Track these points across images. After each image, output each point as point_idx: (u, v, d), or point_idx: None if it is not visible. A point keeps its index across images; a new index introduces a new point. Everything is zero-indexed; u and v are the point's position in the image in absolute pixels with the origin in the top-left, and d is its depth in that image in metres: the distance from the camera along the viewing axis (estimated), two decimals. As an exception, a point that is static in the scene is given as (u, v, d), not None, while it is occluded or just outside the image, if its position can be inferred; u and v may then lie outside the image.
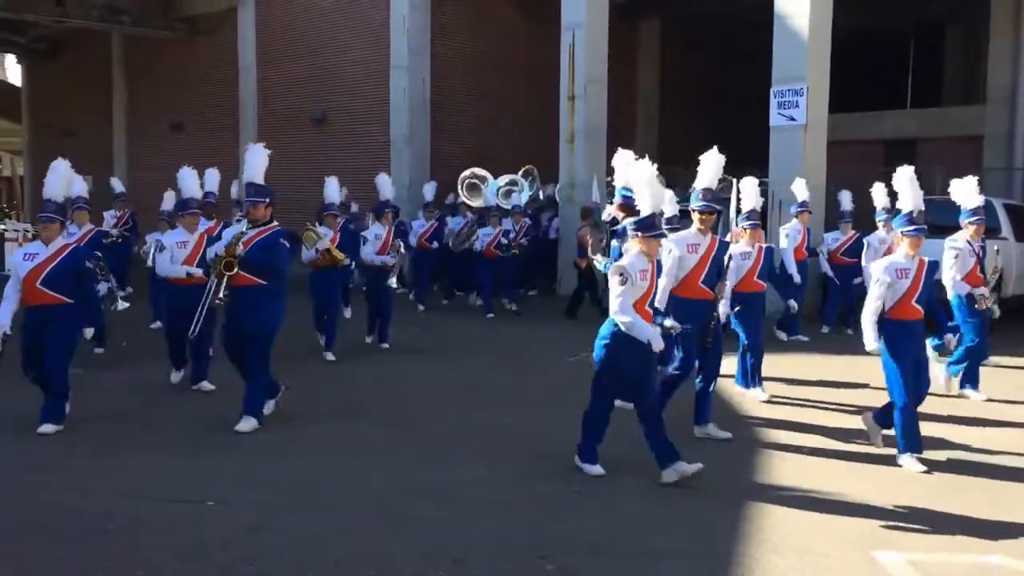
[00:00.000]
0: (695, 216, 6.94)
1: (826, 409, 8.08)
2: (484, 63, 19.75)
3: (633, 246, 5.95)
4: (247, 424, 6.94)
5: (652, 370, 6.02)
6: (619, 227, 9.85)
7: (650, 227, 5.87)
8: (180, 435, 6.96)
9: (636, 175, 6.14)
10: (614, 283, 5.79)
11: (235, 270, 6.90)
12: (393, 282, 10.36)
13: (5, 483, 5.81)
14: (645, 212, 5.93)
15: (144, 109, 24.78)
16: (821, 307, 12.63)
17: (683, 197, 12.26)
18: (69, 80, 27.11)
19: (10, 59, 34.70)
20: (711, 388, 7.07)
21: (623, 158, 7.99)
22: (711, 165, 7.04)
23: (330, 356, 9.95)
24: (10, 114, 31.96)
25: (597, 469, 6.00)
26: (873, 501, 5.60)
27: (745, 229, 8.20)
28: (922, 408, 6.60)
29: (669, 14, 21.94)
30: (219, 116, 22.47)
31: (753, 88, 16.15)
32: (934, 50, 22.71)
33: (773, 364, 9.31)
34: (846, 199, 12.34)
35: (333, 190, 10.64)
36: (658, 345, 5.74)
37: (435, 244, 14.65)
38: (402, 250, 11.06)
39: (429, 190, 15.34)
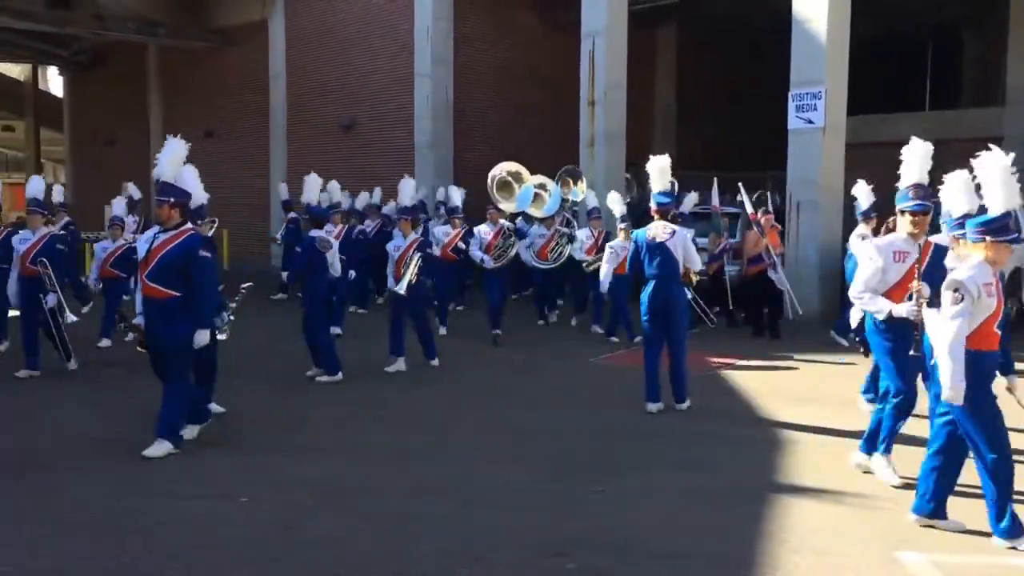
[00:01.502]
0: (905, 218, 5.75)
1: (848, 408, 8.03)
2: (506, 70, 20.11)
3: (973, 253, 4.84)
4: (159, 448, 6.34)
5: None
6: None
7: (1002, 230, 4.74)
8: (210, 436, 7.02)
9: (989, 165, 4.83)
10: (947, 302, 4.70)
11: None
12: (403, 288, 9.52)
13: (39, 480, 5.98)
14: (996, 211, 4.78)
15: (179, 117, 25.38)
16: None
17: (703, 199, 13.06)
18: (108, 90, 27.87)
19: (52, 71, 35.65)
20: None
21: (657, 163, 8.07)
22: (917, 157, 5.84)
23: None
24: (53, 124, 32.86)
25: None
26: (895, 500, 5.55)
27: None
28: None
29: (686, 20, 22.10)
30: (250, 123, 23.00)
31: (770, 92, 16.31)
32: (952, 52, 22.62)
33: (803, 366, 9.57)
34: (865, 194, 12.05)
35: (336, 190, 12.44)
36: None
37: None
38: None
39: (456, 195, 14.35)
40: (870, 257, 5.73)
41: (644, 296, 7.88)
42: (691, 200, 13.09)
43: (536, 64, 20.05)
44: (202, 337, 6.44)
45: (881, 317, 5.70)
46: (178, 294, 6.40)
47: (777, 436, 7.16)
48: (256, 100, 22.80)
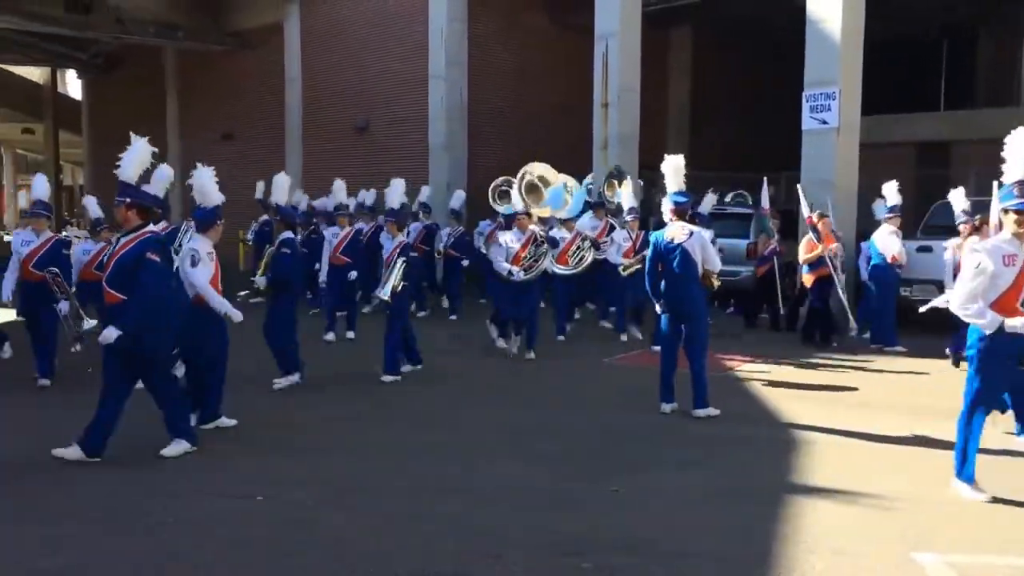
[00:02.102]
0: (1010, 217, 5.37)
1: (864, 409, 8.06)
2: (519, 72, 20.19)
3: (1008, 224, 5.24)
4: (176, 448, 6.41)
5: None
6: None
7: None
8: (228, 434, 7.13)
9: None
10: (966, 265, 5.03)
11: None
12: (386, 293, 9.32)
13: (62, 478, 6.02)
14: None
15: (196, 120, 25.63)
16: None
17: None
18: (126, 93, 28.12)
19: (71, 74, 35.97)
20: None
21: (672, 163, 8.05)
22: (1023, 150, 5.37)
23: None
24: (72, 126, 33.17)
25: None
26: (911, 501, 5.54)
27: None
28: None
29: (700, 21, 22.10)
30: (266, 126, 23.18)
31: (785, 92, 16.31)
32: (967, 52, 22.56)
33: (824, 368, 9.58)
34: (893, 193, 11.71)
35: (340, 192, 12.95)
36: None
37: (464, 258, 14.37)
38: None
39: (457, 199, 15.34)
40: (977, 264, 5.28)
41: (661, 298, 7.89)
42: (710, 201, 13.03)
43: (550, 66, 20.13)
44: (109, 334, 6.09)
45: (991, 331, 5.34)
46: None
47: (792, 437, 7.15)
48: (272, 102, 22.97)
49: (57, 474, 6.10)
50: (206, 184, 7.36)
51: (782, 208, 15.15)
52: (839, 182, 13.66)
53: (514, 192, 10.47)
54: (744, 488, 5.90)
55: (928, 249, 12.05)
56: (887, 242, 11.19)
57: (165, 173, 8.65)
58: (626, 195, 11.99)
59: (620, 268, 11.25)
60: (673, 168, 8.03)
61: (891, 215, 11.39)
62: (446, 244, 14.53)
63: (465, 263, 14.36)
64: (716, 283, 7.96)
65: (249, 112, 23.82)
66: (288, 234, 8.96)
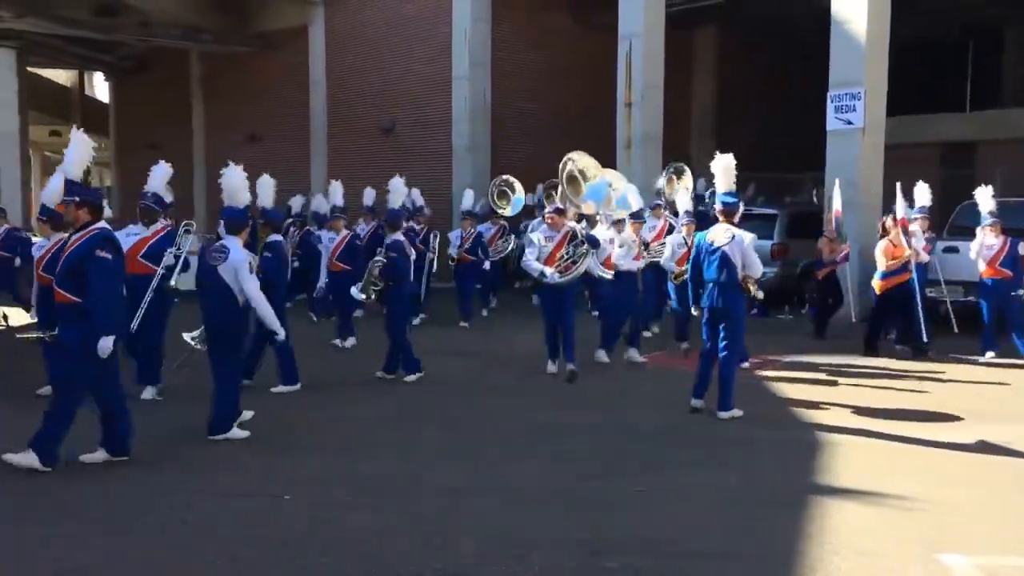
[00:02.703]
0: None
1: (889, 410, 8.02)
2: (543, 72, 20.22)
3: None
4: (97, 456, 6.19)
5: None
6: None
7: None
8: (253, 433, 7.13)
9: None
10: None
11: None
12: (355, 291, 9.35)
13: (85, 477, 6.06)
14: None
15: (221, 122, 25.82)
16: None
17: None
18: (152, 95, 28.38)
19: (98, 77, 36.36)
20: None
21: (722, 163, 7.90)
22: None
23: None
24: (99, 129, 33.49)
25: None
26: (938, 501, 5.51)
27: None
28: (997, 408, 6.49)
29: (724, 21, 22.05)
30: (291, 127, 23.32)
31: (809, 92, 16.25)
32: (992, 53, 22.36)
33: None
34: (924, 193, 11.49)
35: (337, 193, 12.40)
36: None
37: (483, 259, 13.74)
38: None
39: (468, 197, 14.81)
40: None
41: (703, 301, 7.84)
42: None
43: (573, 66, 20.14)
44: (106, 344, 5.87)
45: None
46: (80, 300, 5.93)
47: (818, 438, 7.12)
48: (297, 104, 23.12)
49: (95, 474, 6.15)
50: (236, 183, 7.29)
51: (810, 209, 15.07)
52: (863, 183, 13.60)
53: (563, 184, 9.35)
54: (769, 489, 5.89)
55: (954, 250, 11.96)
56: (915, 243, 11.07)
57: (163, 170, 8.53)
58: (683, 195, 11.50)
59: (671, 275, 10.63)
60: (724, 168, 7.89)
61: (920, 216, 11.30)
62: (458, 247, 13.66)
63: (486, 266, 13.89)
64: (754, 288, 7.71)
65: (274, 114, 23.98)
66: (275, 237, 8.80)
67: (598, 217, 10.04)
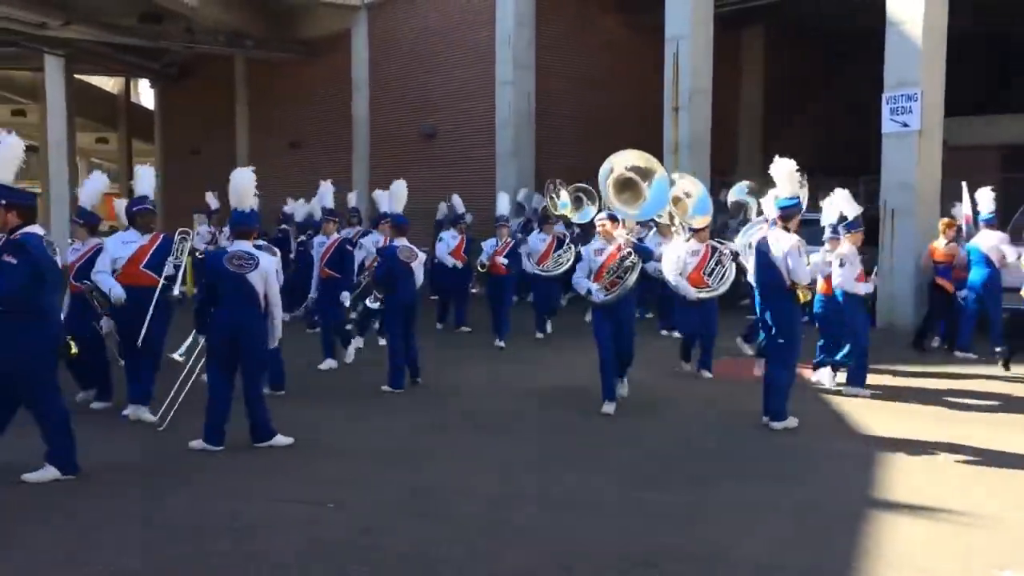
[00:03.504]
0: None
1: (949, 421, 7.81)
2: (588, 76, 19.95)
3: None
4: (42, 474, 5.96)
5: None
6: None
7: None
8: (298, 439, 7.12)
9: None
10: None
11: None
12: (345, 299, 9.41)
13: (133, 483, 6.14)
14: None
15: (264, 128, 25.95)
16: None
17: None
18: (196, 102, 28.66)
19: (144, 83, 36.83)
20: None
21: (784, 167, 7.60)
22: None
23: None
24: (144, 135, 33.93)
25: None
26: (1000, 518, 5.38)
27: None
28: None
29: (774, 21, 21.64)
30: (333, 133, 23.34)
31: (862, 94, 15.83)
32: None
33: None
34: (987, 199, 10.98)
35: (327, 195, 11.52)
36: None
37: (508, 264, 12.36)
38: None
39: (503, 202, 13.86)
40: None
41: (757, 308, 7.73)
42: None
43: (619, 69, 19.88)
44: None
45: None
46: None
47: (872, 449, 6.95)
48: (339, 110, 23.13)
49: (137, 482, 6.17)
50: (245, 186, 7.13)
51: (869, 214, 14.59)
52: (920, 186, 13.20)
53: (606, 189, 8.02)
54: (823, 501, 5.75)
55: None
56: (1000, 247, 10.68)
57: (147, 173, 8.33)
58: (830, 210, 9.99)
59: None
60: (784, 172, 7.63)
61: (988, 222, 10.91)
62: (490, 255, 12.29)
63: (534, 270, 12.65)
64: (804, 295, 7.48)
65: (316, 120, 24.02)
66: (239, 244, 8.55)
67: (673, 230, 9.63)
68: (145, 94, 38.52)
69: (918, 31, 12.95)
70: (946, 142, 13.83)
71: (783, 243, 7.42)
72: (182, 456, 6.75)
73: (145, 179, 8.28)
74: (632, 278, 8.05)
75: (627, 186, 7.84)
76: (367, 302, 9.47)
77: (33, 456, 6.06)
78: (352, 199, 14.63)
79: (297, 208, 15.66)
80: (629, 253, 8.07)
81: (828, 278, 8.95)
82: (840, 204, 9.08)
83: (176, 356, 7.32)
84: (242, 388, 6.90)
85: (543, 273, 12.59)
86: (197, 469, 6.41)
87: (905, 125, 13.22)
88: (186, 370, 7.49)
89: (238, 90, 26.90)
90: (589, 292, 8.13)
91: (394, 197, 10.53)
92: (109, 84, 37.36)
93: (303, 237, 13.66)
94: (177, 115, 30.21)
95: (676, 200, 9.53)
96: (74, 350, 6.17)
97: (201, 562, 4.78)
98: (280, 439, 6.97)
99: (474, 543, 5.01)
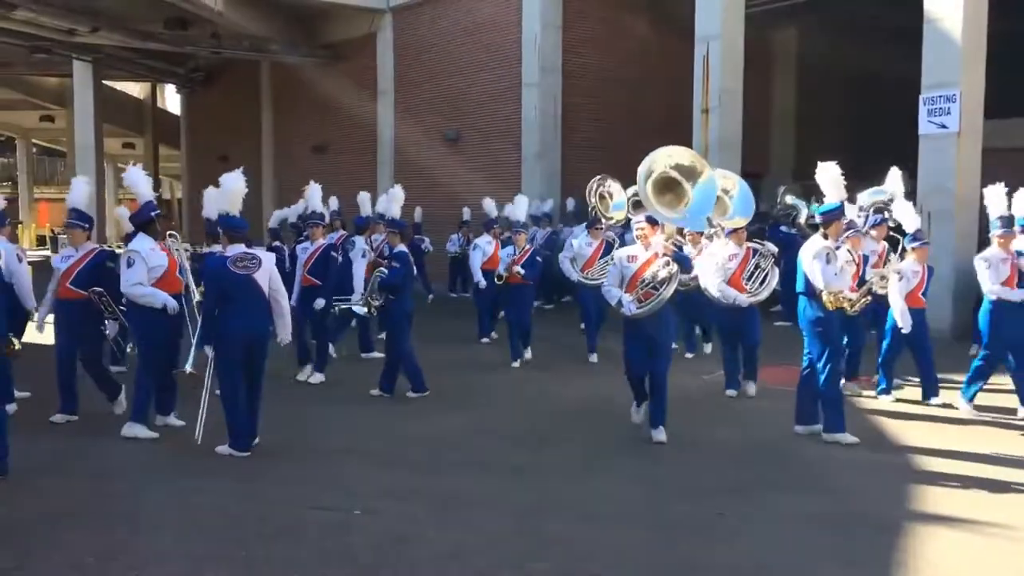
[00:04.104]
0: None
1: (983, 434, 7.65)
2: (616, 77, 19.68)
3: None
4: None
5: None
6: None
7: None
8: (328, 446, 7.22)
9: None
10: None
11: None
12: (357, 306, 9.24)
13: (165, 487, 6.16)
14: None
15: (289, 132, 25.93)
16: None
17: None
18: (222, 107, 28.72)
19: (170, 89, 37.01)
20: None
21: (829, 172, 7.49)
22: None
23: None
24: (170, 140, 34.09)
25: None
26: None
27: None
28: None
29: (806, 22, 21.29)
30: (358, 137, 23.26)
31: (898, 95, 15.47)
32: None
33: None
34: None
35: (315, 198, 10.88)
36: None
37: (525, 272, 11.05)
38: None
39: (521, 206, 12.24)
40: None
41: None
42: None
43: (648, 70, 19.59)
44: None
45: None
46: None
47: (910, 461, 6.87)
48: (364, 114, 23.05)
49: (166, 486, 6.21)
50: (237, 191, 7.16)
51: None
52: (959, 190, 12.86)
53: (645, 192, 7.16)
54: (858, 514, 5.65)
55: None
56: None
57: (82, 186, 8.07)
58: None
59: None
60: (830, 178, 7.47)
61: None
62: (508, 265, 11.17)
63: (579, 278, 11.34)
64: (829, 302, 7.11)
65: (341, 124, 23.95)
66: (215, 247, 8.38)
67: (712, 232, 8.94)
68: (171, 99, 38.70)
69: (957, 29, 12.64)
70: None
71: (810, 248, 7.33)
72: (208, 460, 6.76)
73: (76, 191, 7.90)
74: (669, 290, 7.23)
75: (669, 187, 7.04)
76: (353, 307, 9.15)
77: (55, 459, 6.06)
78: (333, 203, 14.24)
79: (275, 215, 14.75)
80: (668, 262, 7.24)
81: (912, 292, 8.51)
82: (902, 216, 8.73)
83: (187, 369, 7.13)
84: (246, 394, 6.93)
85: (588, 282, 11.11)
86: (224, 474, 6.43)
87: (943, 126, 12.91)
88: (207, 384, 7.29)
89: (263, 95, 26.92)
90: (620, 303, 7.29)
91: (392, 201, 10.23)
92: (136, 90, 37.58)
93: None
94: (203, 121, 30.31)
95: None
96: (16, 346, 6.37)
97: (232, 566, 4.80)
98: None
99: (505, 552, 5.00)
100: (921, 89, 13.04)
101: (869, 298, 7.84)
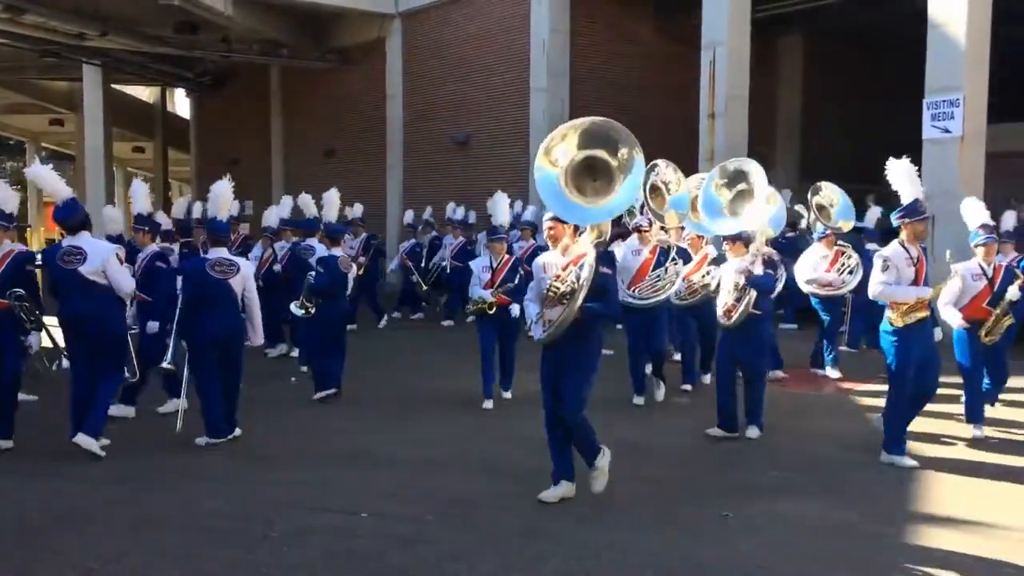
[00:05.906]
0: None
1: (999, 438, 7.64)
2: (623, 83, 19.80)
3: None
4: None
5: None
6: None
7: None
8: (335, 449, 7.24)
9: None
10: None
11: None
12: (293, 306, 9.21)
13: (174, 491, 6.21)
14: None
15: (299, 136, 26.07)
16: None
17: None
18: (232, 111, 28.84)
19: (179, 93, 37.18)
20: None
21: (902, 167, 6.81)
22: None
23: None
24: (180, 144, 34.24)
25: None
26: None
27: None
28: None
29: (812, 27, 21.38)
30: (368, 141, 23.38)
31: (902, 99, 15.56)
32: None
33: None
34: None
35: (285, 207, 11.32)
36: None
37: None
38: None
39: (501, 205, 9.91)
40: None
41: None
42: (874, 214, 12.08)
43: (655, 76, 19.71)
44: None
45: None
46: None
47: (922, 465, 6.80)
48: (373, 118, 23.17)
49: (171, 487, 6.25)
50: (225, 197, 7.57)
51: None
52: (963, 195, 12.88)
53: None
54: (865, 517, 5.65)
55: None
56: None
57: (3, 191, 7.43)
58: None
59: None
60: (907, 172, 6.83)
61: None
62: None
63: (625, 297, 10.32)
64: (894, 318, 6.63)
65: (351, 128, 24.08)
66: (152, 247, 8.37)
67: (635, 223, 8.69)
68: (181, 103, 38.88)
69: (961, 34, 12.72)
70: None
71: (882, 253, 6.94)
72: (211, 464, 6.81)
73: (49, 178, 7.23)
74: (670, 289, 7.61)
75: (590, 171, 5.57)
76: (292, 307, 9.21)
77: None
78: (358, 209, 14.36)
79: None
80: (675, 260, 7.48)
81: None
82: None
83: (165, 365, 7.46)
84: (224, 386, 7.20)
85: (637, 302, 8.50)
86: (227, 478, 6.46)
87: (946, 131, 12.98)
88: (185, 378, 7.53)
89: (273, 99, 27.05)
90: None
91: (328, 205, 10.35)
92: (145, 94, 37.75)
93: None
94: (213, 125, 30.44)
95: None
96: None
97: (242, 569, 4.81)
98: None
99: (511, 552, 5.03)
100: (925, 93, 13.11)
101: (1011, 319, 7.22)
